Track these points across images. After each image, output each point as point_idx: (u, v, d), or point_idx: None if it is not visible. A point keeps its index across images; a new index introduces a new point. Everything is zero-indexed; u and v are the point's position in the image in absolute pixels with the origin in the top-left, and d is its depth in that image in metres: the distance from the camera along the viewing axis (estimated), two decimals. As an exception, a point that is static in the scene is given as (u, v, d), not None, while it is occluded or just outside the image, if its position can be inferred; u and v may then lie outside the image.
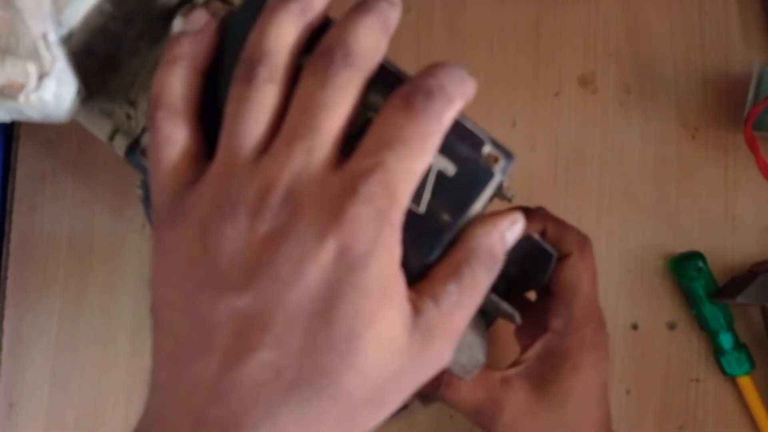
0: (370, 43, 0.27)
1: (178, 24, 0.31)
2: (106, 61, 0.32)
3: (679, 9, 0.50)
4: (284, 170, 0.25)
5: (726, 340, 0.47)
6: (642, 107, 0.50)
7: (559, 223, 0.38)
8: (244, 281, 0.25)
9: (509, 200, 0.30)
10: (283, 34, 0.27)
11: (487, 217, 0.28)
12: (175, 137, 0.27)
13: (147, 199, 0.40)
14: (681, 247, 0.49)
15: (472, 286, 0.27)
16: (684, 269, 0.48)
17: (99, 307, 0.49)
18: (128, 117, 0.32)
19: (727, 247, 0.49)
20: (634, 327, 0.49)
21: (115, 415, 0.49)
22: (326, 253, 0.24)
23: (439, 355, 0.27)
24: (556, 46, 0.50)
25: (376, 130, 0.26)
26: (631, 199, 0.49)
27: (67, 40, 0.28)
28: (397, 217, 0.26)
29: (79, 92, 0.28)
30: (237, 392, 0.24)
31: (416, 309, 0.26)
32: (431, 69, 0.27)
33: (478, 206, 0.28)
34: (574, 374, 0.36)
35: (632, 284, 0.49)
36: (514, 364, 0.38)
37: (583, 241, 0.38)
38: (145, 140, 0.29)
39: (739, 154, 0.49)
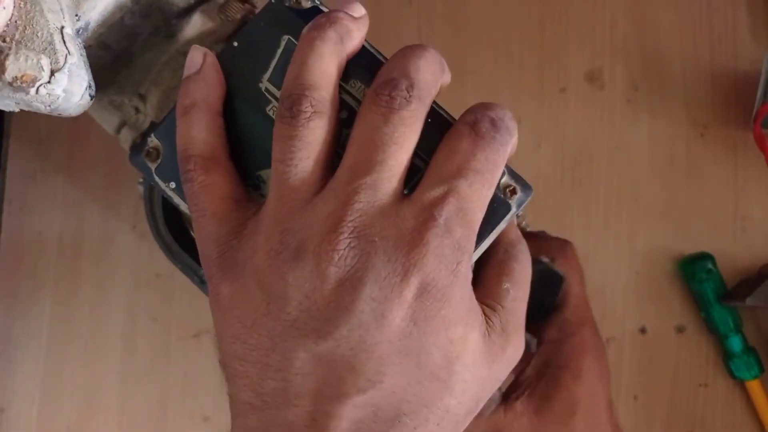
0: (430, 77, 0.26)
1: (196, 21, 0.30)
2: (120, 54, 0.31)
3: (687, 4, 0.50)
4: (348, 207, 0.24)
5: (735, 344, 0.46)
6: (650, 104, 0.49)
7: (535, 235, 0.38)
8: (322, 328, 0.24)
9: (524, 230, 0.29)
10: (324, 65, 0.26)
11: None
12: (212, 183, 0.26)
13: (148, 197, 0.40)
14: (689, 249, 0.48)
15: (523, 277, 0.28)
16: (693, 271, 0.47)
17: (90, 311, 0.48)
18: (137, 110, 0.32)
19: (736, 248, 0.48)
20: (643, 331, 0.48)
21: (108, 420, 0.48)
22: (410, 291, 0.24)
23: (517, 349, 0.27)
24: (561, 41, 0.50)
25: (444, 157, 0.25)
26: (639, 199, 0.49)
27: (82, 33, 0.28)
28: (472, 245, 0.25)
29: (89, 87, 0.27)
30: (335, 431, 0.24)
31: (486, 316, 0.26)
32: (483, 104, 0.26)
33: (491, 239, 0.27)
34: (576, 384, 0.35)
35: (640, 287, 0.48)
36: (513, 386, 0.36)
37: (564, 243, 0.38)
38: (152, 141, 0.29)
39: (749, 152, 0.48)
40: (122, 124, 0.32)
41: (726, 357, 0.47)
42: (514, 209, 0.27)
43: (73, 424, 0.48)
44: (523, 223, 0.29)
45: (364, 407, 0.24)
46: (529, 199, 0.27)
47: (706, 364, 0.48)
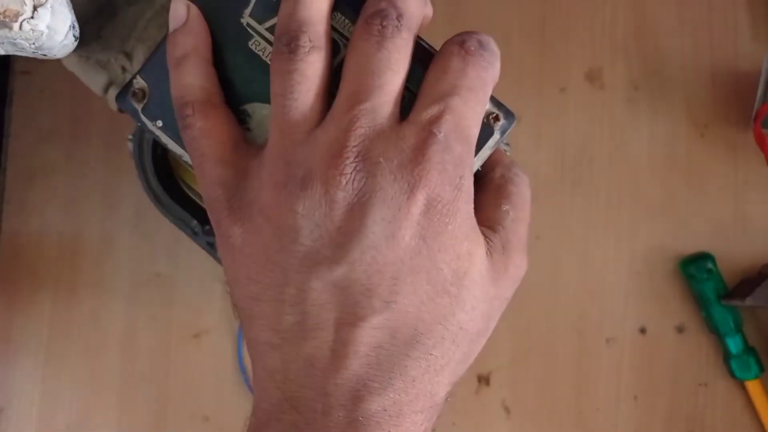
0: (415, 8, 0.27)
1: None
2: (104, 5, 0.31)
3: (687, 3, 0.50)
4: (351, 133, 0.25)
5: (735, 344, 0.46)
6: (650, 104, 0.49)
7: None
8: (335, 254, 0.24)
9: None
10: (318, 2, 0.26)
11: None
12: (211, 128, 0.27)
13: (138, 153, 0.40)
14: (689, 248, 0.48)
15: (521, 199, 0.28)
16: (693, 271, 0.47)
17: (90, 311, 0.48)
18: (123, 70, 0.32)
19: (737, 248, 0.48)
20: (643, 331, 0.48)
21: (107, 420, 0.48)
22: (417, 208, 0.24)
23: (519, 267, 0.28)
24: (562, 40, 0.49)
25: (436, 76, 0.26)
26: (639, 198, 0.48)
27: None
28: (472, 161, 0.26)
29: (73, 28, 0.28)
30: (356, 358, 0.25)
31: (486, 237, 0.27)
32: (467, 31, 0.27)
33: (477, 164, 0.28)
34: None
35: (640, 286, 0.48)
36: None
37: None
38: (138, 82, 0.29)
39: (749, 152, 0.48)
40: (109, 84, 0.32)
41: (726, 357, 0.47)
42: (497, 135, 0.28)
43: (73, 423, 0.48)
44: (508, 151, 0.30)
45: (381, 330, 0.25)
46: (512, 126, 0.28)
47: (706, 363, 0.48)
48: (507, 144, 0.29)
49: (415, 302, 0.25)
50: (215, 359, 0.48)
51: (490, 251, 0.27)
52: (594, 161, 0.49)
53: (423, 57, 0.27)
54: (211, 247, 0.40)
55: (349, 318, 0.25)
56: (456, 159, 0.25)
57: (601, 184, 0.49)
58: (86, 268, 0.49)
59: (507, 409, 0.48)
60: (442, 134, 0.25)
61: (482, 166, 0.28)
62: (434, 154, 0.24)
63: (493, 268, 0.27)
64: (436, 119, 0.25)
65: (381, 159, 0.24)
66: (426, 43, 0.28)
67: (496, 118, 0.28)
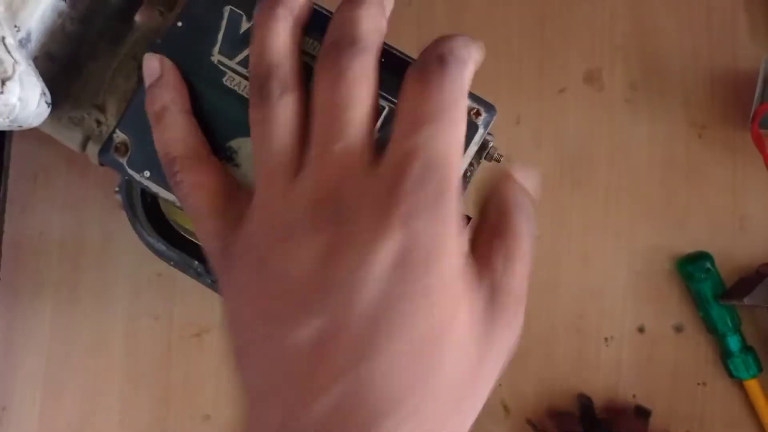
0: (372, 24, 0.26)
1: (139, 21, 0.31)
2: (68, 64, 0.31)
3: (686, 4, 0.50)
4: (324, 183, 0.24)
5: (733, 343, 0.47)
6: (649, 104, 0.49)
7: None
8: (308, 306, 0.23)
9: (498, 162, 0.29)
10: (281, 42, 0.26)
11: (500, 172, 0.27)
12: (201, 181, 0.27)
13: (128, 205, 0.40)
14: (688, 248, 0.48)
15: (518, 245, 0.25)
16: (691, 270, 0.47)
17: (92, 311, 0.48)
18: (98, 123, 0.32)
19: (735, 247, 0.48)
20: (641, 330, 0.48)
21: (109, 419, 0.48)
22: (384, 258, 0.22)
23: (507, 327, 0.24)
24: (561, 41, 0.50)
25: (402, 111, 0.25)
26: (639, 199, 0.49)
27: (26, 44, 0.28)
28: (454, 195, 0.23)
29: (44, 95, 0.28)
30: (334, 418, 0.22)
31: (474, 288, 0.24)
32: (434, 41, 0.26)
33: (464, 163, 0.28)
34: None
35: (639, 286, 0.48)
36: None
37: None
38: (118, 137, 0.29)
39: (747, 153, 0.48)
40: (87, 140, 0.32)
41: (724, 356, 0.47)
42: (482, 130, 0.28)
43: (75, 422, 0.48)
44: (495, 154, 0.29)
45: (352, 395, 0.22)
46: (494, 118, 0.28)
47: (705, 363, 0.48)
48: (490, 134, 0.29)
49: (386, 365, 0.22)
50: (216, 358, 0.48)
51: (474, 303, 0.24)
52: (593, 161, 0.49)
53: (393, 62, 0.27)
54: (215, 284, 0.40)
55: (323, 374, 0.23)
56: (435, 193, 0.23)
57: (601, 184, 0.49)
58: (87, 268, 0.49)
59: (507, 409, 0.48)
60: (416, 170, 0.23)
61: (479, 196, 0.27)
62: (407, 195, 0.23)
63: (478, 325, 0.24)
64: (410, 155, 0.23)
65: (354, 206, 0.23)
66: (396, 49, 0.28)
67: (477, 113, 0.28)
